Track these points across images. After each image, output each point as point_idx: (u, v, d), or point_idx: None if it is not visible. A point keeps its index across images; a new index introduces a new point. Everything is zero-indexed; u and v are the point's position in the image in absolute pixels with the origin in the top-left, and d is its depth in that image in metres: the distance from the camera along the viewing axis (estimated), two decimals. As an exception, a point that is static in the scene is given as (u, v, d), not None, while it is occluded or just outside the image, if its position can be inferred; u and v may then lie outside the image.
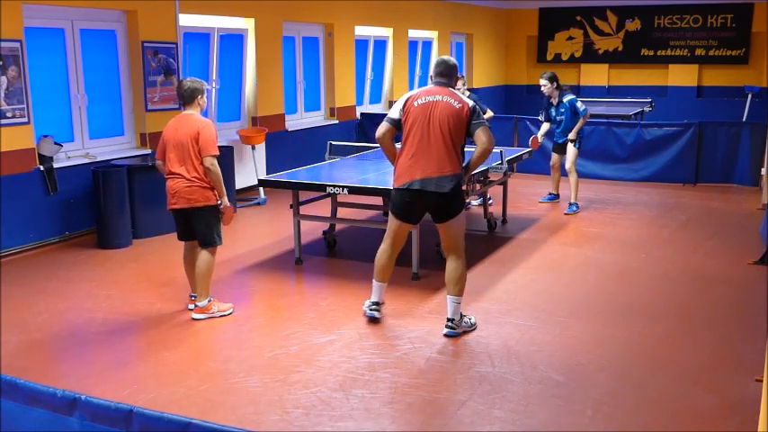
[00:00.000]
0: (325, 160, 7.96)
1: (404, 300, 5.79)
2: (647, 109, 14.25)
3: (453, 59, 5.24)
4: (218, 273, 6.34)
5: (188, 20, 9.11)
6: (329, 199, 7.19)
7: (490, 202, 8.76)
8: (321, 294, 6.10)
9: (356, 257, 7.10)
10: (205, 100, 5.48)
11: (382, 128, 5.09)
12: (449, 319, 5.07)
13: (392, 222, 5.17)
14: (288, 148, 10.69)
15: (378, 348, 4.87)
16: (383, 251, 5.24)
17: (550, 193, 9.56)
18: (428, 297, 5.83)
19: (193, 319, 5.44)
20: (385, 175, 6.53)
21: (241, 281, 6.44)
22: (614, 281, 6.37)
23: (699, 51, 17.41)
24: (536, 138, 9.15)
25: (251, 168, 9.60)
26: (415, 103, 5.00)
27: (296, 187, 6.66)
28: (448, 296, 5.11)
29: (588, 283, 6.30)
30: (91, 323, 5.42)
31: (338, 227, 7.68)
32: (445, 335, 5.04)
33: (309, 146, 10.79)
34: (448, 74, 5.14)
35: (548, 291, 6.10)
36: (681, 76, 17.61)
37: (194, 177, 5.27)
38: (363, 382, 4.37)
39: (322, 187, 6.53)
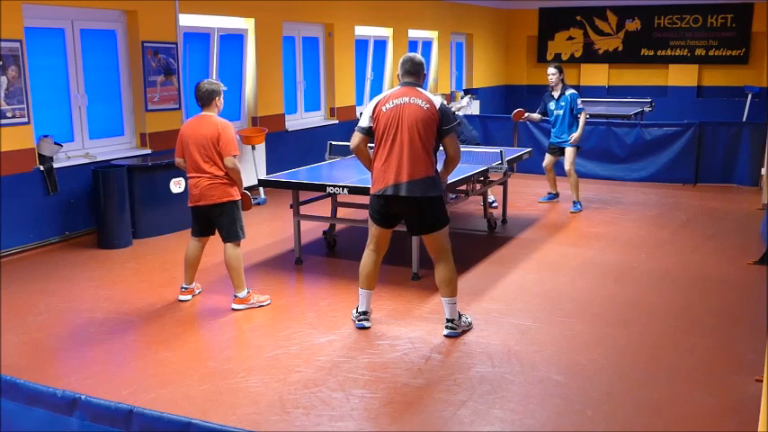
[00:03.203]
0: (325, 160, 7.96)
1: (404, 300, 5.79)
2: (646, 109, 14.25)
3: (420, 56, 5.09)
4: (218, 272, 6.36)
5: (188, 20, 9.11)
6: (329, 199, 7.19)
7: (495, 205, 8.76)
8: (321, 294, 6.11)
9: (356, 257, 7.03)
10: (222, 101, 5.66)
11: (356, 138, 5.04)
12: (448, 320, 5.07)
13: (372, 227, 5.17)
14: (288, 148, 10.69)
15: (378, 348, 4.87)
16: (367, 257, 5.21)
17: (550, 193, 9.55)
18: (428, 297, 5.82)
19: (233, 309, 5.60)
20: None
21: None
22: (614, 281, 6.36)
23: (699, 51, 17.42)
24: (521, 111, 9.23)
25: (251, 168, 9.59)
26: (384, 108, 4.92)
27: (296, 187, 6.66)
28: (442, 299, 5.11)
29: (588, 283, 6.30)
30: (91, 323, 5.42)
31: (338, 227, 7.68)
32: (446, 335, 5.04)
33: (309, 146, 10.80)
34: (415, 72, 5.01)
35: (548, 291, 6.09)
36: (681, 76, 17.62)
37: (217, 175, 5.47)
38: (363, 382, 4.37)
39: (322, 187, 6.54)
